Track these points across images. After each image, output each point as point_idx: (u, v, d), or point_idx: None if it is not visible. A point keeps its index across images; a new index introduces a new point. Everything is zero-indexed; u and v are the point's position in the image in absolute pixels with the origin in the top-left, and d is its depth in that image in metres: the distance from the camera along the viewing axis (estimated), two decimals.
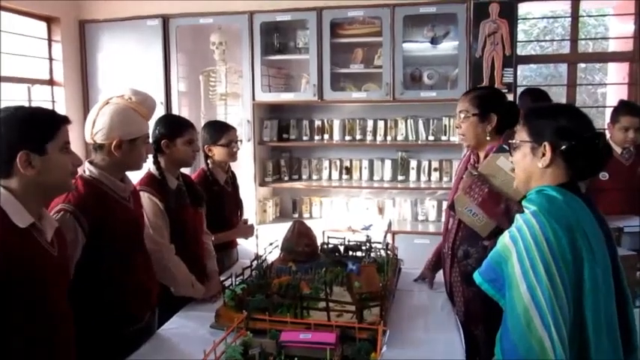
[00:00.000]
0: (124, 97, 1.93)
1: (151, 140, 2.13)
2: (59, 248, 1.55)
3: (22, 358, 1.42)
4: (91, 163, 1.90)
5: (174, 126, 2.41)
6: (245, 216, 3.13)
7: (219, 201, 2.79)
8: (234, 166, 3.07)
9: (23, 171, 1.42)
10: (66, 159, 1.51)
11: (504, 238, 1.43)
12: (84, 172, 1.88)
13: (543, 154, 1.45)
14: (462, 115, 2.17)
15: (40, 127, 1.46)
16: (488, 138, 2.13)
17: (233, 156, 2.87)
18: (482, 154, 2.18)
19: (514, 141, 1.55)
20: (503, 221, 1.91)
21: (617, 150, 3.16)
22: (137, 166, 2.00)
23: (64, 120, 1.53)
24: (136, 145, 1.92)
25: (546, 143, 1.44)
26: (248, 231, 2.99)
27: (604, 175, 3.13)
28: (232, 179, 3.01)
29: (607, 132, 3.23)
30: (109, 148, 1.87)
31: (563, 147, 1.42)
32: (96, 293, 1.83)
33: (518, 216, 1.43)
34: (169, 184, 2.32)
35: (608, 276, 1.40)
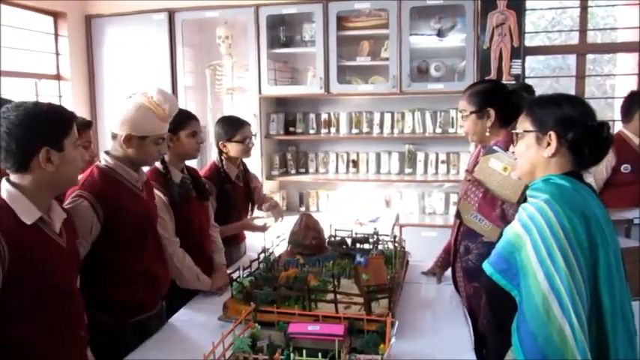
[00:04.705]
0: (147, 95, 1.95)
1: None
2: (68, 238, 1.57)
3: (35, 345, 1.44)
4: (107, 153, 1.94)
5: (176, 119, 2.38)
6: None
7: (231, 197, 2.78)
8: None
9: (44, 167, 1.43)
10: (77, 154, 1.54)
11: (515, 227, 1.42)
12: (100, 161, 1.93)
13: (548, 144, 1.44)
14: (461, 115, 2.18)
15: (58, 124, 1.48)
16: (487, 134, 2.10)
17: (248, 152, 2.85)
18: None
19: (517, 131, 1.53)
20: (501, 226, 1.86)
21: (635, 141, 3.10)
22: (145, 163, 2.05)
23: (74, 116, 1.56)
24: (146, 144, 1.93)
25: (552, 132, 1.43)
26: (259, 227, 2.88)
27: (626, 168, 3.07)
28: (244, 172, 2.98)
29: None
30: (120, 139, 1.90)
31: (570, 136, 1.41)
32: (108, 281, 1.85)
33: (527, 205, 1.42)
34: (173, 178, 2.31)
35: (619, 262, 1.40)
